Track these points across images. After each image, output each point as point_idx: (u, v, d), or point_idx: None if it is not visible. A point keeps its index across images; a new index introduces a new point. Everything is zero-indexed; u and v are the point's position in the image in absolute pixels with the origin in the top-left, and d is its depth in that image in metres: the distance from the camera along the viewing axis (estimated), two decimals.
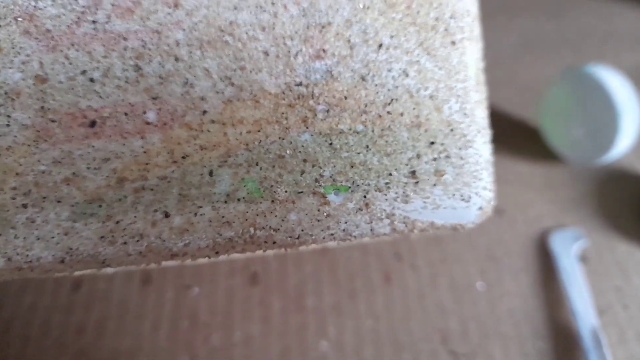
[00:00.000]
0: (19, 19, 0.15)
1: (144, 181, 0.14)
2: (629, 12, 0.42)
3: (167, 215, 0.14)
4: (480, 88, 0.16)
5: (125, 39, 0.14)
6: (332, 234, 0.15)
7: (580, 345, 0.23)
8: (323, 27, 0.15)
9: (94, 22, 0.15)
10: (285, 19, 0.15)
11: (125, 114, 0.14)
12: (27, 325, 0.24)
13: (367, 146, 0.15)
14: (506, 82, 0.35)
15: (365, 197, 0.15)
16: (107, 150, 0.14)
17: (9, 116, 0.14)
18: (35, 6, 0.15)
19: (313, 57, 0.15)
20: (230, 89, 0.14)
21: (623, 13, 0.42)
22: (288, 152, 0.15)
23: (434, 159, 0.15)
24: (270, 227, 0.14)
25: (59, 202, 0.14)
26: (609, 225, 0.28)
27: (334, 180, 0.15)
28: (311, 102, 0.15)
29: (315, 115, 0.15)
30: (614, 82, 0.27)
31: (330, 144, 0.15)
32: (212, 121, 0.14)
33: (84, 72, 0.14)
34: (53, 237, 0.14)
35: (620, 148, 0.27)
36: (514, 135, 0.32)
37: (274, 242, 0.15)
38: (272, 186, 0.14)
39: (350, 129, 0.15)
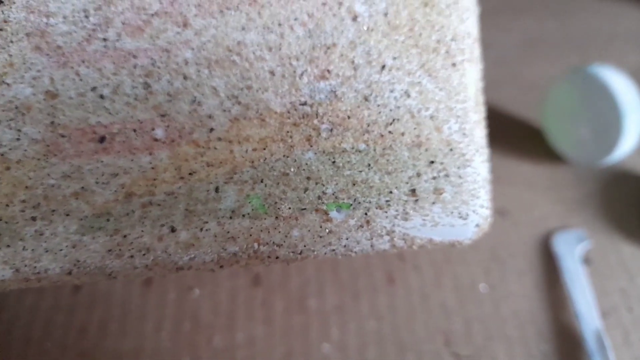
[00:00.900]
0: (31, 35, 0.15)
1: (152, 196, 0.15)
2: (633, 12, 0.42)
3: (173, 230, 0.15)
4: (479, 108, 0.17)
5: (135, 56, 0.15)
6: (333, 250, 0.15)
7: (584, 347, 0.23)
8: (328, 48, 0.15)
9: (104, 39, 0.15)
10: (291, 40, 0.15)
11: (134, 131, 0.15)
12: (29, 326, 0.24)
13: (369, 165, 0.15)
14: (510, 82, 0.35)
15: (366, 214, 0.15)
16: (115, 166, 0.15)
17: (19, 130, 0.15)
18: (46, 23, 0.15)
19: (318, 78, 0.15)
20: (237, 107, 0.15)
21: (627, 13, 0.42)
22: (292, 169, 0.15)
23: (434, 178, 0.16)
24: (273, 242, 0.15)
25: (67, 215, 0.15)
26: (613, 227, 0.27)
27: (336, 197, 0.15)
28: (315, 121, 0.15)
29: (319, 134, 0.15)
30: (618, 82, 0.26)
31: (333, 162, 0.15)
32: (219, 139, 0.15)
33: (94, 89, 0.15)
34: (61, 250, 0.15)
35: (624, 149, 0.27)
36: (517, 136, 0.31)
37: (277, 257, 0.15)
38: (276, 203, 0.15)
39: (352, 148, 0.15)
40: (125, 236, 0.14)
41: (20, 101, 0.15)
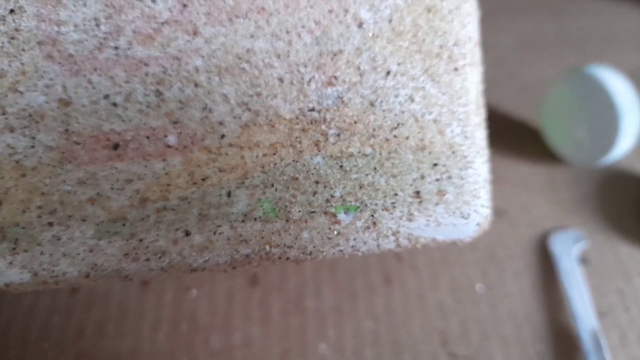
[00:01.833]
0: (42, 44, 0.15)
1: (166, 201, 0.15)
2: (631, 13, 0.42)
3: (187, 233, 0.15)
4: (480, 111, 0.17)
5: (146, 64, 0.15)
6: (341, 250, 0.16)
7: (580, 347, 0.23)
8: (335, 54, 0.16)
9: (115, 47, 0.15)
10: (299, 47, 0.15)
11: (147, 137, 0.15)
12: (27, 327, 0.24)
13: (375, 168, 0.16)
14: (507, 82, 0.35)
15: (372, 216, 0.16)
16: (130, 172, 0.15)
17: (33, 137, 0.15)
18: (58, 31, 0.15)
19: (325, 84, 0.16)
20: (247, 114, 0.15)
21: (625, 13, 0.42)
22: (301, 174, 0.16)
23: (437, 180, 0.16)
24: (284, 244, 0.15)
25: (84, 220, 0.15)
26: (610, 227, 0.28)
27: (344, 200, 0.16)
28: (323, 126, 0.16)
29: (327, 139, 0.16)
30: (616, 83, 0.27)
31: (341, 166, 0.16)
32: (230, 145, 0.15)
33: (106, 97, 0.15)
34: (78, 254, 0.15)
35: (621, 149, 0.27)
36: (515, 136, 0.31)
37: (288, 258, 0.16)
38: (286, 206, 0.15)
39: (359, 152, 0.16)
40: (141, 240, 0.15)
41: (34, 109, 0.15)
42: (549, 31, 0.41)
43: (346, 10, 0.16)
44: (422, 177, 0.16)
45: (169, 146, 0.15)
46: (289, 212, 0.15)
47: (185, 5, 0.15)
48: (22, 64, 0.15)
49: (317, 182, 0.16)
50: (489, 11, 0.23)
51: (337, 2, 0.16)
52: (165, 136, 0.15)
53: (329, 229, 0.16)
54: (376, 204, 0.16)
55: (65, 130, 0.15)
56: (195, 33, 0.15)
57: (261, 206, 0.15)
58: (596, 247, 0.27)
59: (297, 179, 0.16)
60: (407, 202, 0.16)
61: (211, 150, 0.15)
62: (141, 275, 0.15)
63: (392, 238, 0.16)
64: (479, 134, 0.17)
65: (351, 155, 0.16)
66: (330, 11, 0.16)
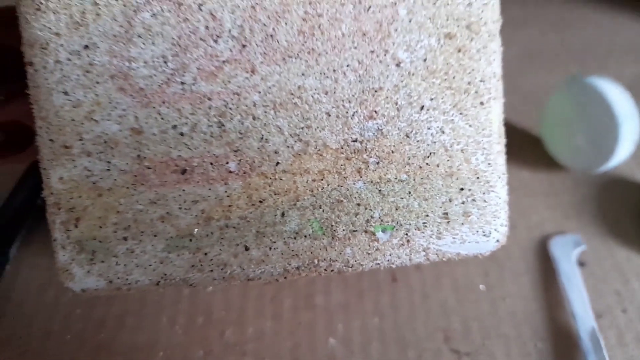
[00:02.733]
0: (115, 77, 0.17)
1: (227, 220, 0.17)
2: (631, 24, 0.43)
3: (247, 248, 0.17)
4: (501, 140, 0.19)
5: (209, 99, 0.17)
6: (378, 264, 0.18)
7: (579, 346, 0.23)
8: (375, 91, 0.18)
9: (182, 83, 0.17)
10: (344, 84, 0.17)
11: (211, 164, 0.17)
12: (50, 319, 0.25)
13: (409, 192, 0.18)
14: (509, 92, 0.35)
15: (406, 234, 0.18)
16: (195, 194, 0.17)
17: (109, 162, 0.17)
18: (129, 67, 0.17)
19: (367, 118, 0.18)
20: (299, 144, 0.17)
21: (625, 25, 0.43)
22: (345, 197, 0.18)
23: (463, 203, 0.18)
24: (330, 258, 0.18)
25: (155, 236, 0.17)
26: (608, 231, 0.28)
27: (382, 220, 0.18)
28: (365, 155, 0.18)
29: (368, 166, 0.18)
30: (614, 92, 0.27)
31: (380, 190, 0.18)
32: (284, 171, 0.17)
33: (174, 127, 0.17)
34: (150, 265, 0.17)
35: (619, 156, 0.28)
36: (517, 144, 0.32)
37: (332, 270, 0.18)
38: (332, 225, 0.18)
39: (396, 178, 0.18)
40: (206, 254, 0.17)
41: (109, 136, 0.17)
42: (551, 43, 0.41)
43: (386, 51, 0.18)
44: (450, 200, 0.18)
45: (230, 172, 0.17)
46: (335, 230, 0.18)
47: (244, 46, 0.17)
48: (97, 95, 0.17)
49: (358, 205, 0.18)
50: None
51: (377, 43, 0.17)
52: (227, 163, 0.17)
53: (369, 245, 0.18)
54: (410, 224, 0.18)
55: (138, 155, 0.17)
56: (253, 71, 0.17)
57: (310, 225, 0.18)
58: (594, 251, 0.28)
59: (341, 201, 0.18)
60: (437, 222, 0.18)
61: (267, 175, 0.17)
62: (205, 284, 0.17)
63: (423, 253, 0.18)
64: (500, 161, 0.19)
65: (389, 181, 0.18)
66: (372, 52, 0.17)
